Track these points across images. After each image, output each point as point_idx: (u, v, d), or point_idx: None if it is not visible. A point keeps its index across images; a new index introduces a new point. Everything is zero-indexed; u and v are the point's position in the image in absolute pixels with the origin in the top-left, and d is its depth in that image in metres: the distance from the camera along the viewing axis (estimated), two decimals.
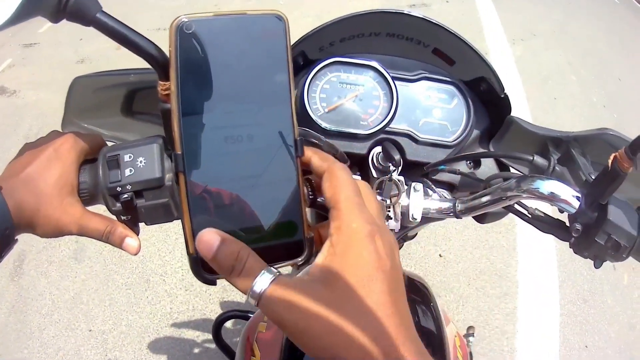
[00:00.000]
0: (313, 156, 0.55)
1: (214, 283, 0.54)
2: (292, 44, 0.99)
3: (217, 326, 1.39)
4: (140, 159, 0.64)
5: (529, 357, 2.59)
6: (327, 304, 0.45)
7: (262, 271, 0.47)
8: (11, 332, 2.69)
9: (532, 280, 2.95)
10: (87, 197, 0.67)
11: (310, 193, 0.57)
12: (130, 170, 0.63)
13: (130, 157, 0.64)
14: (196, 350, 2.56)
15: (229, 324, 2.32)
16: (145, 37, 0.61)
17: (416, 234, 1.29)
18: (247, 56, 0.52)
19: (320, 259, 0.49)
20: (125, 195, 0.63)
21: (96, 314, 2.75)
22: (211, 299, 2.76)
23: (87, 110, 0.98)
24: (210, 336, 1.45)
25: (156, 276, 2.88)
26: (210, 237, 0.48)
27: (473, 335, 1.57)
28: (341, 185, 0.51)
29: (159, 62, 0.61)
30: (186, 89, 0.50)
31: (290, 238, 0.54)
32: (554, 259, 3.03)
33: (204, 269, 0.52)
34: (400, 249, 1.33)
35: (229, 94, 0.51)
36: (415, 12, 0.98)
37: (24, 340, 2.66)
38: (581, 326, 2.78)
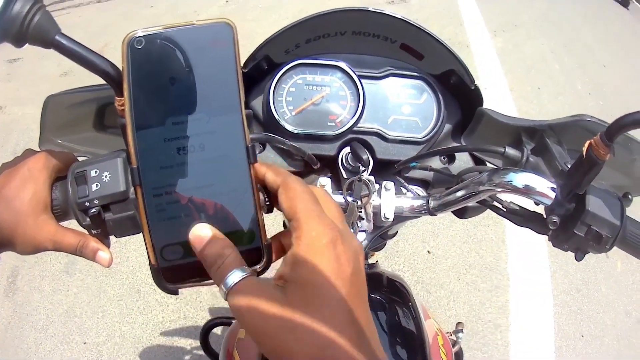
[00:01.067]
0: (267, 172, 0.55)
1: (175, 293, 0.55)
2: (256, 47, 0.99)
3: (204, 333, 1.40)
4: (106, 173, 0.65)
5: (524, 350, 2.59)
6: (283, 308, 0.46)
7: (235, 269, 0.49)
8: (9, 348, 2.69)
9: (523, 272, 2.94)
10: (60, 213, 0.69)
11: (267, 200, 0.58)
12: (97, 185, 0.65)
13: (96, 172, 0.66)
14: (189, 358, 2.56)
15: (218, 330, 2.33)
16: (101, 56, 0.62)
17: (396, 232, 1.28)
18: (196, 66, 0.52)
19: (282, 267, 0.50)
20: (93, 210, 0.65)
21: (90, 327, 2.75)
22: (201, 307, 2.76)
23: (61, 127, 1.00)
24: None
25: (147, 286, 2.87)
26: (202, 232, 0.51)
27: (462, 331, 1.56)
28: (297, 196, 0.52)
29: (114, 79, 0.62)
30: (139, 103, 0.51)
31: (248, 245, 0.54)
32: (544, 250, 3.02)
33: (166, 279, 0.53)
34: (382, 249, 1.33)
35: (180, 105, 0.52)
36: (378, 9, 0.96)
37: (21, 356, 2.66)
38: (576, 316, 2.77)
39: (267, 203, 0.58)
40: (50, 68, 4.88)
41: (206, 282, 0.54)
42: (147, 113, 0.51)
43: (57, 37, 0.59)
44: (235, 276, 0.48)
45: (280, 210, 0.54)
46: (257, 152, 1.06)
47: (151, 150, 0.51)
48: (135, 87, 0.51)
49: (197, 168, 0.52)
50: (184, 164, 0.52)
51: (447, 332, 1.51)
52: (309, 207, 0.51)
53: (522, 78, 4.58)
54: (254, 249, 0.55)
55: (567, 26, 5.56)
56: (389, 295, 1.05)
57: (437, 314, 2.61)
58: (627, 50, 5.32)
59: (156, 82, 0.51)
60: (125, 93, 0.51)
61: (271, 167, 0.56)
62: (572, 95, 4.43)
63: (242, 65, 1.02)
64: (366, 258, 1.21)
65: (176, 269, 0.53)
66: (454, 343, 1.47)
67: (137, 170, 0.51)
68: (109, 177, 0.65)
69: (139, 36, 0.50)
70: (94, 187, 0.65)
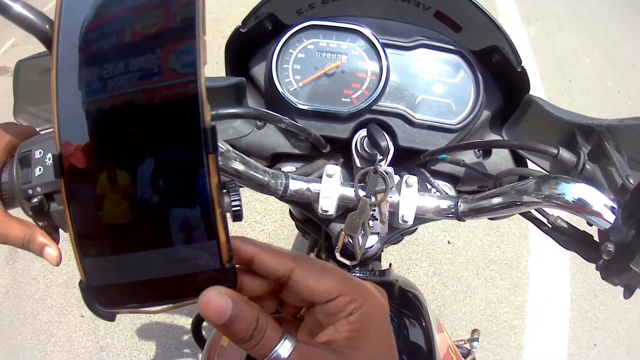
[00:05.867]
0: (262, 254, 0.46)
1: (112, 319, 0.42)
2: (259, 2, 0.86)
3: (195, 325, 1.32)
4: (49, 155, 0.54)
5: (537, 354, 2.56)
6: None
7: (282, 340, 0.43)
8: (5, 318, 2.71)
9: (543, 271, 2.90)
10: (9, 200, 0.59)
11: (233, 204, 0.43)
12: (40, 169, 0.55)
13: (40, 153, 0.55)
14: (186, 337, 2.53)
15: None
16: (33, 8, 0.53)
17: (416, 228, 1.14)
18: (147, 21, 0.38)
19: (335, 332, 0.46)
20: (35, 200, 0.55)
21: None
22: None
23: (35, 95, 0.90)
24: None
25: None
26: (220, 302, 0.39)
27: (477, 340, 1.51)
28: (328, 271, 0.47)
29: (47, 35, 0.52)
30: (69, 68, 0.38)
31: (204, 266, 0.39)
32: (566, 250, 2.92)
33: (98, 302, 0.40)
34: (398, 242, 1.27)
35: (121, 71, 0.37)
36: None
37: (17, 327, 2.67)
38: (591, 323, 2.75)
39: (235, 209, 0.43)
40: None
41: (146, 309, 0.41)
42: (78, 80, 0.38)
43: None
44: (284, 349, 0.42)
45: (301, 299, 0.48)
46: (250, 129, 0.93)
47: (79, 132, 0.38)
48: (66, 46, 0.38)
49: (139, 158, 0.37)
50: (123, 151, 0.38)
51: (462, 340, 1.47)
52: (349, 278, 0.48)
53: (554, 69, 4.53)
54: (213, 271, 0.40)
55: (596, 22, 5.50)
56: (401, 309, 0.93)
57: (452, 309, 2.72)
58: None
59: (94, 40, 0.38)
60: (54, 55, 0.38)
61: (265, 246, 0.47)
62: (602, 92, 4.38)
63: (240, 24, 0.89)
64: (379, 259, 1.09)
65: (111, 289, 0.40)
66: (467, 353, 1.40)
67: (58, 158, 0.38)
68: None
69: None
70: (36, 172, 0.55)
